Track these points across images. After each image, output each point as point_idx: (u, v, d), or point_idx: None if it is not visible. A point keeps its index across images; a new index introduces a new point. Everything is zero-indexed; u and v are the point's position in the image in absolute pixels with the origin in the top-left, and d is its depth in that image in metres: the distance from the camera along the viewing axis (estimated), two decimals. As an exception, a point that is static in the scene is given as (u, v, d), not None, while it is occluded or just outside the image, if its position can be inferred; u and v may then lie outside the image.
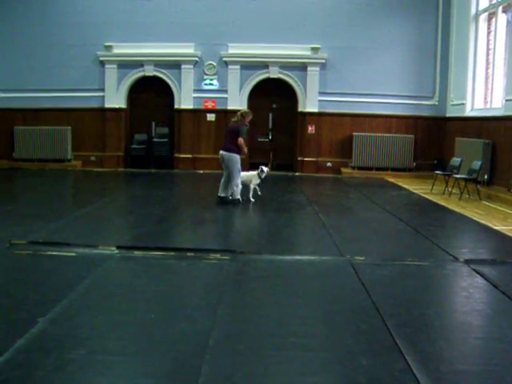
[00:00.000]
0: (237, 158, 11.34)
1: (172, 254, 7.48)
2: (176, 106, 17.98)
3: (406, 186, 14.99)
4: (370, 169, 17.61)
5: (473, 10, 15.76)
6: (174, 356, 4.34)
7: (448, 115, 17.37)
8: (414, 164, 17.56)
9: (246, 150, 11.50)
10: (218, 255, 7.43)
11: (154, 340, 4.67)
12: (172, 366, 4.18)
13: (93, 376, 4.01)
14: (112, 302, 5.69)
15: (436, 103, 17.62)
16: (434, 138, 17.65)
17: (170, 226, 9.04)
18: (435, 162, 17.07)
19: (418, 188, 14.61)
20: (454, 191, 13.30)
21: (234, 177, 11.28)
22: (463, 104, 16.15)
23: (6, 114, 18.15)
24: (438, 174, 14.43)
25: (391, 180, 16.42)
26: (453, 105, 17.00)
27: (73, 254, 7.34)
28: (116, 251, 7.52)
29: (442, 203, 12.14)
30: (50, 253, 7.38)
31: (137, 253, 7.52)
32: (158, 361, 4.26)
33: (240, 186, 11.39)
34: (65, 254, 7.36)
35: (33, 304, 5.46)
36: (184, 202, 11.86)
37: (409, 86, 17.55)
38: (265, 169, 11.86)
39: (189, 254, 7.48)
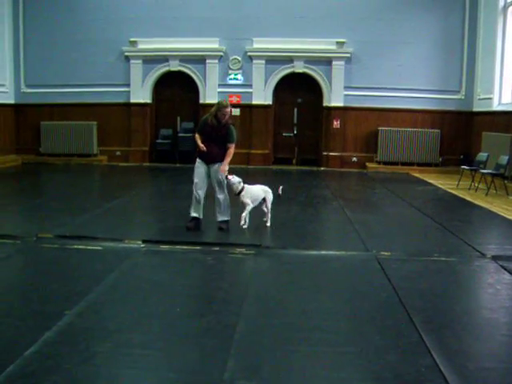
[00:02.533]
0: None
1: (198, 248, 7.52)
2: (201, 101, 18.00)
3: (432, 181, 14.86)
4: (396, 164, 17.48)
5: (501, 3, 15.52)
6: (200, 350, 4.36)
7: (475, 109, 17.15)
8: (440, 159, 17.39)
9: (201, 146, 8.32)
10: (243, 250, 7.44)
11: (180, 334, 4.70)
12: (198, 360, 4.20)
13: (119, 369, 4.05)
14: (138, 295, 5.73)
15: (462, 97, 17.41)
16: (460, 133, 17.45)
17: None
18: (461, 156, 16.89)
19: (444, 183, 14.48)
20: (480, 186, 13.15)
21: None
22: (490, 98, 15.93)
23: (32, 110, 18.35)
24: (464, 169, 14.28)
25: (417, 175, 16.29)
26: (480, 99, 16.78)
27: (99, 248, 7.41)
28: (142, 245, 7.57)
29: (469, 198, 12.02)
30: (76, 246, 7.45)
31: (163, 247, 7.57)
32: (184, 354, 4.29)
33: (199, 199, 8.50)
34: (91, 247, 7.43)
35: (60, 297, 5.53)
36: (209, 197, 11.88)
37: (435, 80, 17.36)
38: (231, 178, 8.41)
39: (214, 248, 7.51)
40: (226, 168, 8.33)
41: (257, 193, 8.63)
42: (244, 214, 8.43)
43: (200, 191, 8.36)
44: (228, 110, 8.30)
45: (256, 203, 8.60)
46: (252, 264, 6.95)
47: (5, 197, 12.44)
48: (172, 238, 7.94)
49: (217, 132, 8.31)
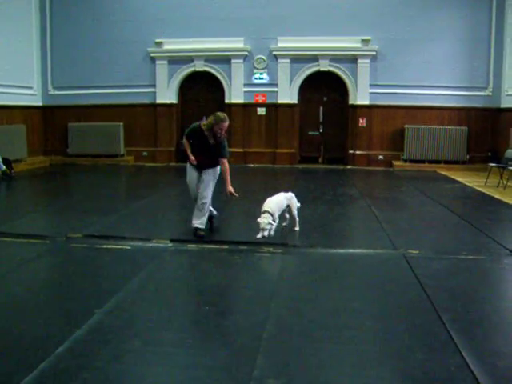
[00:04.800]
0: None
1: (225, 247, 7.55)
2: (226, 101, 18.04)
3: (460, 179, 14.72)
4: (422, 162, 17.34)
5: (528, -3, 15.35)
6: (229, 348, 4.39)
7: (502, 106, 16.92)
8: (468, 156, 17.20)
9: (192, 159, 8.04)
10: (270, 248, 7.45)
11: (209, 332, 4.72)
12: (227, 358, 4.22)
13: (149, 367, 4.09)
14: (167, 294, 5.78)
15: (490, 94, 17.19)
16: (487, 130, 17.25)
17: (222, 219, 9.08)
18: (489, 154, 16.70)
19: (471, 181, 14.34)
20: (509, 184, 12.99)
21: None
22: (519, 94, 15.76)
23: (60, 112, 18.57)
24: (492, 166, 14.10)
25: (444, 173, 16.15)
26: (508, 95, 16.56)
27: (128, 248, 7.48)
28: (170, 244, 7.63)
29: (497, 196, 11.88)
30: (105, 246, 7.53)
31: (190, 246, 7.62)
32: (213, 352, 4.32)
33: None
34: (120, 247, 7.51)
35: (89, 296, 5.61)
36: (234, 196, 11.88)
37: (461, 76, 17.16)
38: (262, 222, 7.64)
39: (241, 247, 7.53)
40: (232, 189, 7.93)
41: (279, 203, 8.05)
42: (273, 227, 7.78)
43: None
44: (226, 124, 7.74)
45: (279, 212, 8.04)
46: (280, 263, 6.96)
47: (34, 198, 12.64)
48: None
49: (208, 144, 7.87)
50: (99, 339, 4.50)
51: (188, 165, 8.13)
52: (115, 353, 4.26)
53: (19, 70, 17.18)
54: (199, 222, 8.01)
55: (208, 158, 7.95)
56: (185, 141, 8.08)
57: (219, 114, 7.83)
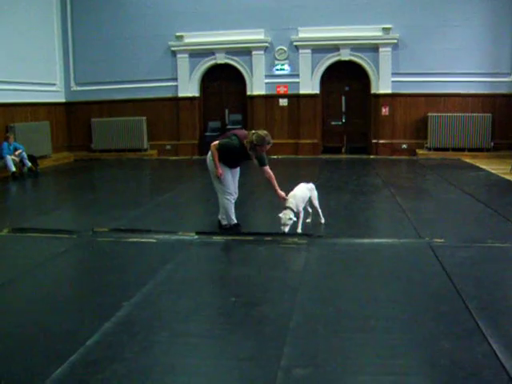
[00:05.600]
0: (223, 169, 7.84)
1: (250, 238, 7.58)
2: (248, 93, 18.05)
3: (484, 167, 14.59)
4: (446, 150, 17.18)
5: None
6: (256, 338, 4.43)
7: (527, 92, 16.75)
8: (492, 144, 16.99)
9: (219, 172, 7.74)
10: (295, 239, 7.48)
11: (236, 323, 4.77)
12: (254, 348, 4.26)
13: (178, 358, 4.15)
14: (193, 286, 5.83)
15: (514, 79, 17.01)
16: (512, 116, 17.06)
17: (246, 211, 9.12)
18: (514, 140, 16.52)
19: (496, 168, 14.20)
20: (535, 170, 12.87)
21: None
22: (543, 79, 15.53)
23: (83, 107, 18.74)
24: (517, 153, 13.96)
25: (468, 161, 16.00)
26: (532, 80, 16.37)
27: (154, 241, 7.54)
28: (196, 237, 7.68)
29: (523, 183, 11.78)
30: (131, 240, 7.61)
31: (215, 238, 7.66)
32: (241, 343, 4.36)
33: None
34: (146, 240, 7.58)
35: (117, 289, 5.68)
36: (259, 188, 11.89)
37: (485, 62, 16.92)
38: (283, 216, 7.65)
39: (266, 238, 7.55)
40: (283, 193, 7.79)
41: (302, 195, 8.00)
42: (300, 221, 7.82)
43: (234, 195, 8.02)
44: (269, 147, 7.63)
45: (304, 204, 8.03)
46: (305, 253, 6.98)
47: (60, 193, 12.80)
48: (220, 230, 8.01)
49: (248, 158, 7.70)
50: (128, 331, 4.57)
51: (223, 167, 7.74)
52: (143, 344, 4.32)
53: (42, 67, 17.39)
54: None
55: (240, 164, 8.02)
56: (216, 153, 7.67)
57: (263, 135, 7.55)
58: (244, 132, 7.93)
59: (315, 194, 8.41)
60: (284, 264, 6.78)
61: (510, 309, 4.99)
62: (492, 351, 4.08)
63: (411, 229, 7.93)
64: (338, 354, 4.14)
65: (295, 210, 7.71)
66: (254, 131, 7.71)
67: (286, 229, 7.58)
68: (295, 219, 7.70)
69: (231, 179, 7.90)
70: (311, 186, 8.41)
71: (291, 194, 7.88)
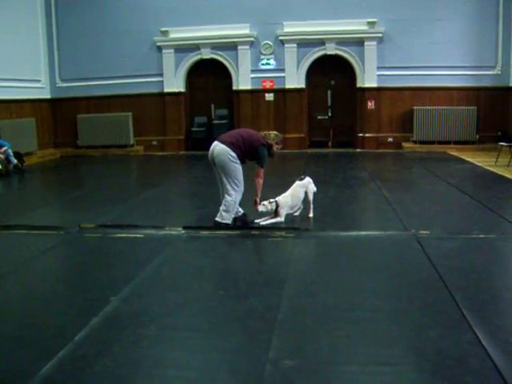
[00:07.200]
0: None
1: (237, 232, 7.60)
2: (234, 88, 18.03)
3: (470, 159, 14.67)
4: (432, 143, 17.27)
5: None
6: (244, 331, 4.45)
7: (511, 84, 16.85)
8: (477, 136, 17.11)
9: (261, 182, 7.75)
10: (282, 233, 7.51)
11: (224, 316, 4.79)
12: (242, 341, 4.29)
13: (166, 351, 4.17)
14: (181, 280, 5.85)
15: (499, 72, 17.03)
16: (497, 109, 17.11)
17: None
18: (499, 133, 16.55)
19: (481, 161, 14.29)
20: (519, 162, 12.97)
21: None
22: (527, 72, 15.62)
23: (68, 103, 18.64)
24: (502, 145, 14.02)
25: (454, 153, 16.08)
26: (517, 73, 16.46)
27: (141, 236, 7.54)
28: (183, 231, 7.68)
29: (507, 175, 11.84)
30: (118, 235, 7.60)
31: (203, 232, 7.67)
32: (229, 336, 4.38)
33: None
34: (133, 235, 7.57)
35: (105, 284, 5.69)
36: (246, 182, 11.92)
37: (469, 56, 16.99)
38: (260, 208, 7.93)
39: (253, 232, 7.58)
40: (258, 202, 7.85)
41: (295, 197, 8.13)
42: (273, 221, 7.95)
43: None
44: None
45: (299, 205, 8.25)
46: (292, 247, 7.01)
47: (46, 190, 12.76)
48: (212, 223, 8.01)
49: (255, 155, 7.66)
50: (116, 326, 4.58)
51: (235, 159, 7.55)
52: (132, 338, 4.33)
53: (27, 63, 17.25)
54: None
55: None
56: (262, 175, 7.74)
57: (279, 134, 7.95)
58: (256, 133, 7.91)
59: (311, 188, 8.36)
60: (271, 257, 6.81)
61: (495, 298, 5.05)
62: (477, 340, 4.13)
63: (397, 221, 7.98)
64: (325, 345, 4.17)
65: (281, 205, 7.88)
66: (267, 132, 7.96)
67: (262, 208, 7.79)
68: (273, 206, 7.87)
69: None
70: (308, 180, 8.38)
71: (285, 194, 8.09)
